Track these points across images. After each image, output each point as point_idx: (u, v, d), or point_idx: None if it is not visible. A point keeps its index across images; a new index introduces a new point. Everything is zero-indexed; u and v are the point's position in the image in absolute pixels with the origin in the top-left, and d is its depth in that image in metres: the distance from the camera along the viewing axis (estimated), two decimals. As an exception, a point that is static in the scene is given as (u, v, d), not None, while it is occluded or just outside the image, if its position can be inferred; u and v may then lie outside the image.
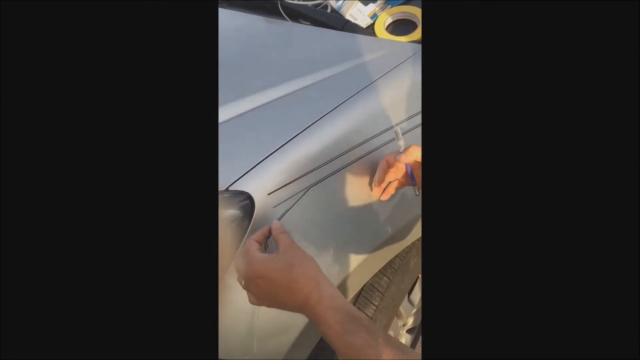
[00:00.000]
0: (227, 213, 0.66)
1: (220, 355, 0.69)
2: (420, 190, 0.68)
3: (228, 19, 1.14)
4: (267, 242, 0.63)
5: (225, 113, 0.81)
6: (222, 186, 0.68)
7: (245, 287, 0.59)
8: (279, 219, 0.68)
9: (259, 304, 0.59)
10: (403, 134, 0.70)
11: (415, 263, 1.02)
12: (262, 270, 0.56)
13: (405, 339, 1.21)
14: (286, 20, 1.11)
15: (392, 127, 0.82)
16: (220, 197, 0.67)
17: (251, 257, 0.57)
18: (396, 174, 0.72)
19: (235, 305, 0.69)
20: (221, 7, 1.23)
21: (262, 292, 0.57)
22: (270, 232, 0.62)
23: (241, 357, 0.73)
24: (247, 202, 0.67)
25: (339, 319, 0.49)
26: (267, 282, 0.55)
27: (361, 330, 0.48)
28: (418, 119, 0.85)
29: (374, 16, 1.07)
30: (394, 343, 0.47)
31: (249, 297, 0.59)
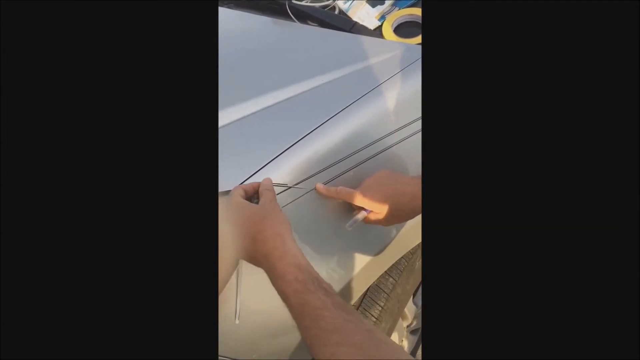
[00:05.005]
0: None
1: (220, 352, 0.70)
2: (351, 228, 0.70)
3: (235, 20, 1.15)
4: (257, 196, 0.63)
5: (234, 113, 0.81)
6: (234, 184, 0.68)
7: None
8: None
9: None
10: (410, 135, 0.70)
11: (420, 265, 1.03)
12: (236, 213, 0.57)
13: (408, 340, 1.22)
14: (294, 21, 1.12)
15: (399, 128, 0.82)
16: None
17: (232, 200, 0.59)
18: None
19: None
20: (229, 7, 1.23)
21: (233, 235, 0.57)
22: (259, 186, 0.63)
23: (242, 357, 0.74)
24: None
25: (300, 278, 0.50)
26: (237, 228, 0.56)
27: (320, 291, 0.48)
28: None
29: (382, 18, 1.07)
30: (346, 308, 0.47)
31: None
